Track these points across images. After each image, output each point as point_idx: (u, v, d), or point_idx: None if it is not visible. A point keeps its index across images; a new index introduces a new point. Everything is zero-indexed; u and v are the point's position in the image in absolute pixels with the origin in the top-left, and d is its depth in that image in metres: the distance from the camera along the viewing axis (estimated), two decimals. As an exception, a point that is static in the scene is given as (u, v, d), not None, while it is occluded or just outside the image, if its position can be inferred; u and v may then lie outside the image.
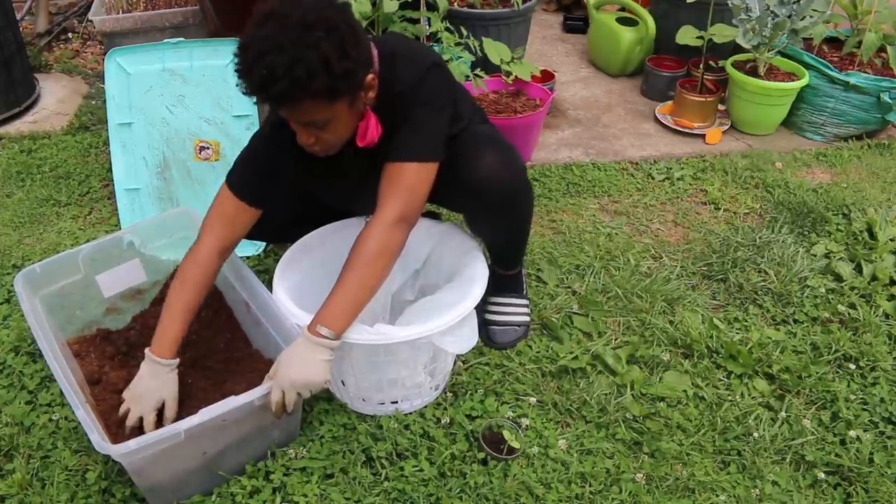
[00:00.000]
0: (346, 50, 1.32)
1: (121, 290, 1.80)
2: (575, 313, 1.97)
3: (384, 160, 1.50)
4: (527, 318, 1.91)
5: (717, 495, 1.52)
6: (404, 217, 1.48)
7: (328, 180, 1.62)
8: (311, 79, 1.29)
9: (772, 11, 2.67)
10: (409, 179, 1.48)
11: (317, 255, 1.77)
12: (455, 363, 1.79)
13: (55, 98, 3.08)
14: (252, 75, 1.30)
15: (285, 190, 1.61)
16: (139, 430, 1.44)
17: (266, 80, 1.29)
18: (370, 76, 1.41)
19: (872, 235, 2.26)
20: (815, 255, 2.21)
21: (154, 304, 1.80)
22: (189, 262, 1.54)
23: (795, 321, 1.98)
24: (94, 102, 3.06)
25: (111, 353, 1.71)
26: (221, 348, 1.72)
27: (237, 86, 1.34)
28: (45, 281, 1.68)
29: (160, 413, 1.48)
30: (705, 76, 2.91)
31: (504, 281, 1.88)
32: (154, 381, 1.47)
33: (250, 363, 1.67)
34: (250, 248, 2.18)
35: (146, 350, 1.49)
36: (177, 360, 1.50)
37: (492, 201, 1.58)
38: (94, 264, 1.74)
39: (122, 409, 1.47)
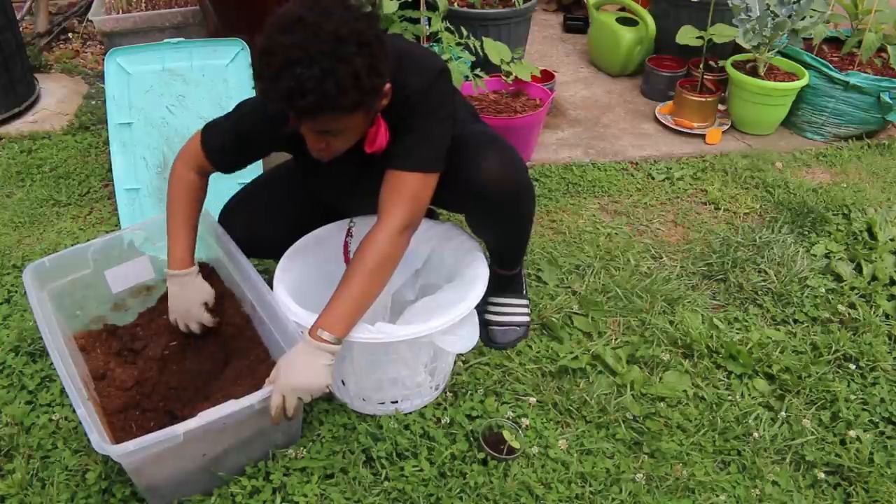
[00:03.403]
0: (376, 66, 1.29)
1: (129, 286, 1.80)
2: (575, 313, 1.97)
3: (382, 161, 1.50)
4: (527, 318, 1.91)
5: (717, 495, 1.52)
6: (408, 226, 1.48)
7: (322, 174, 1.61)
8: (340, 95, 1.26)
9: (772, 11, 2.67)
10: (413, 189, 1.47)
11: (316, 254, 1.77)
12: (455, 363, 1.79)
13: (55, 98, 3.08)
14: (279, 84, 1.25)
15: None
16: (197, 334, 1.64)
17: (294, 92, 1.24)
18: (387, 85, 1.39)
19: (872, 235, 2.26)
20: (815, 255, 2.21)
21: (161, 302, 1.80)
22: (175, 183, 1.60)
23: (795, 321, 1.98)
24: (94, 102, 3.06)
25: (117, 348, 1.71)
26: (225, 348, 1.71)
27: (253, 88, 1.32)
28: (54, 275, 1.68)
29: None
30: (705, 76, 2.91)
31: (504, 281, 1.88)
32: (186, 292, 1.59)
33: (255, 364, 1.66)
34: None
35: (166, 270, 1.60)
36: (195, 267, 1.61)
37: (496, 202, 1.58)
38: (104, 260, 1.75)
39: (172, 321, 1.62)
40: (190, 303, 1.60)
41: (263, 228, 1.74)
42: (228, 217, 1.76)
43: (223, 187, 1.81)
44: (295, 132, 1.42)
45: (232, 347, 1.70)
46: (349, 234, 1.77)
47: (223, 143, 1.58)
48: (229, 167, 1.62)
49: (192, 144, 1.60)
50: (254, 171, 2.12)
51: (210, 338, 1.72)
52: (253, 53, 1.32)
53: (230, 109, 1.61)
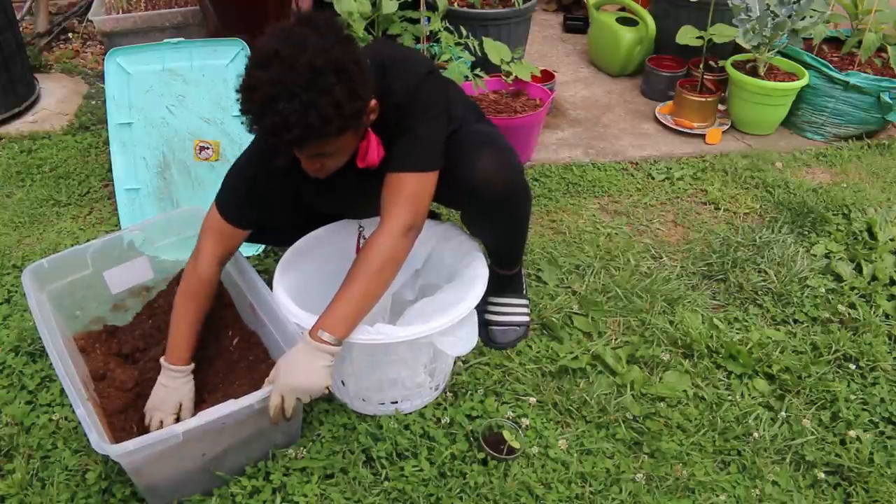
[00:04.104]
0: (356, 91, 1.31)
1: (128, 287, 1.81)
2: (575, 313, 1.97)
3: (381, 176, 1.50)
4: (527, 318, 1.91)
5: (717, 495, 1.52)
6: (411, 226, 1.49)
7: (320, 190, 1.62)
8: (324, 124, 1.28)
9: (772, 11, 2.67)
10: (412, 189, 1.48)
11: (317, 255, 1.77)
12: (455, 363, 1.79)
13: (55, 98, 3.08)
14: (263, 121, 1.28)
15: (275, 210, 1.63)
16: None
17: (279, 127, 1.27)
18: (373, 102, 1.41)
19: (872, 235, 2.26)
20: (815, 255, 2.21)
21: (160, 297, 1.80)
22: (191, 272, 1.58)
23: (795, 321, 1.98)
24: (94, 102, 3.06)
25: (117, 349, 1.72)
26: (227, 349, 1.71)
27: (242, 123, 1.33)
28: (53, 276, 1.69)
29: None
30: (705, 76, 2.91)
31: (504, 281, 1.88)
32: (171, 387, 1.53)
33: (254, 364, 1.66)
34: (250, 249, 2.18)
35: (161, 360, 1.55)
36: (191, 366, 1.56)
37: (489, 201, 1.58)
38: (103, 261, 1.75)
39: (147, 418, 1.52)
40: (167, 399, 1.52)
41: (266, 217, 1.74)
42: None
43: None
44: (290, 159, 1.44)
45: (231, 348, 1.71)
46: (361, 237, 1.77)
47: (237, 197, 1.57)
48: (250, 221, 1.59)
49: (211, 221, 1.58)
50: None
51: (210, 338, 1.72)
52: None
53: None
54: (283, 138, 1.29)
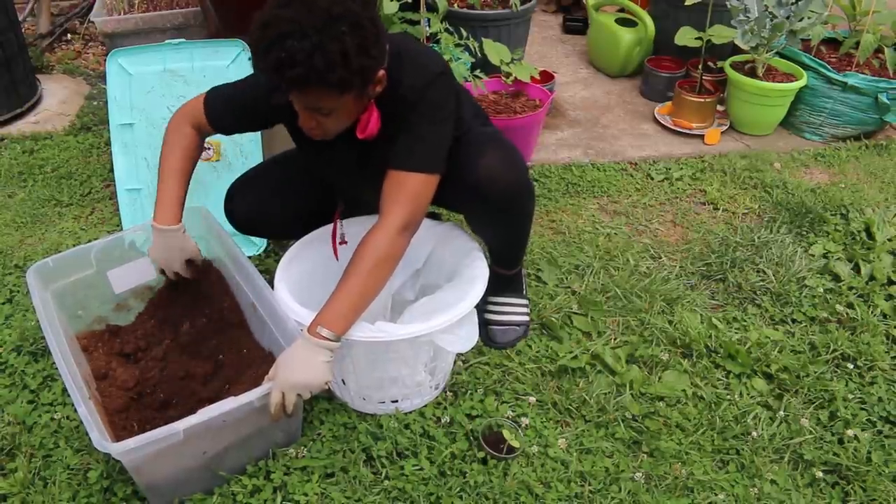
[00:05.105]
0: (367, 48, 1.33)
1: (131, 287, 1.81)
2: (574, 313, 1.98)
3: (378, 156, 1.51)
4: (526, 318, 1.91)
5: (716, 494, 1.53)
6: (408, 226, 1.50)
7: (319, 149, 1.63)
8: (328, 70, 1.30)
9: (770, 12, 2.68)
10: (414, 189, 1.49)
11: (318, 253, 1.78)
12: (455, 362, 1.80)
13: (57, 99, 3.09)
14: (270, 55, 1.30)
15: (252, 124, 1.71)
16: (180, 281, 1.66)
17: (283, 63, 1.29)
18: (381, 72, 1.42)
19: (870, 235, 2.27)
20: (813, 255, 2.21)
21: (161, 296, 1.80)
22: (173, 134, 1.63)
23: (794, 321, 1.99)
24: (95, 103, 3.07)
25: (118, 348, 1.72)
26: (228, 347, 1.72)
27: (249, 59, 1.36)
28: (57, 275, 1.69)
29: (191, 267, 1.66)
30: (704, 77, 2.92)
31: (504, 281, 1.89)
32: (170, 246, 1.60)
33: (257, 363, 1.67)
34: (251, 248, 2.19)
35: (152, 222, 1.59)
36: (181, 225, 1.61)
37: (495, 200, 1.59)
38: (106, 261, 1.75)
39: (157, 268, 1.64)
40: (171, 256, 1.61)
41: (271, 204, 1.76)
42: (236, 193, 1.78)
43: (226, 184, 1.83)
44: (286, 103, 1.45)
45: (232, 347, 1.71)
46: (338, 225, 1.79)
47: (225, 107, 1.62)
48: (227, 131, 1.67)
49: (195, 103, 1.63)
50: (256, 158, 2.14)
51: (211, 337, 1.72)
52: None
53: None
54: (284, 75, 1.30)
